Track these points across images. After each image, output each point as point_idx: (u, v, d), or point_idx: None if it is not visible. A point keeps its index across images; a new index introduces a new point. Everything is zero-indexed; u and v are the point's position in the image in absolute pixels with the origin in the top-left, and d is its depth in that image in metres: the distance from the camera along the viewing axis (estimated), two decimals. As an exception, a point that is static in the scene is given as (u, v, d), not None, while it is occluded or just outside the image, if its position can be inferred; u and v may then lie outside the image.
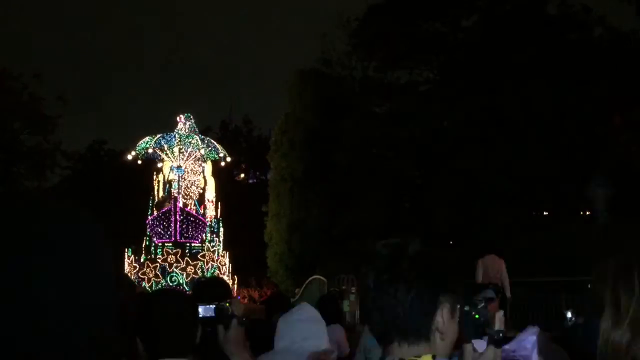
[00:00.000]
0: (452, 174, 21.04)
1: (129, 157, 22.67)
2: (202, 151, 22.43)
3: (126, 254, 20.84)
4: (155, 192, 22.47)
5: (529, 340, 3.71)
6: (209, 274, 19.99)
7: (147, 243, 21.70)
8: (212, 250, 21.66)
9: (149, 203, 22.36)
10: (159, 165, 23.06)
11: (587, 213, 22.11)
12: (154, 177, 23.01)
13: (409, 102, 23.48)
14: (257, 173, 43.29)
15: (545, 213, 22.82)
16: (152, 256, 21.02)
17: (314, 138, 28.32)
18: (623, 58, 20.48)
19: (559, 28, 21.74)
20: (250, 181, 44.11)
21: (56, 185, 29.54)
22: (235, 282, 22.60)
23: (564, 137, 20.17)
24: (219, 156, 23.33)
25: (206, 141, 23.36)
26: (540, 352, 3.44)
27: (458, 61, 22.17)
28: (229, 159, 23.74)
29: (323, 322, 3.28)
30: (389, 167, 22.98)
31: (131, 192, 28.59)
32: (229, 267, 22.21)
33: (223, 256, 22.06)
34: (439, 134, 22.09)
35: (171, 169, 22.60)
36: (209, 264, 20.87)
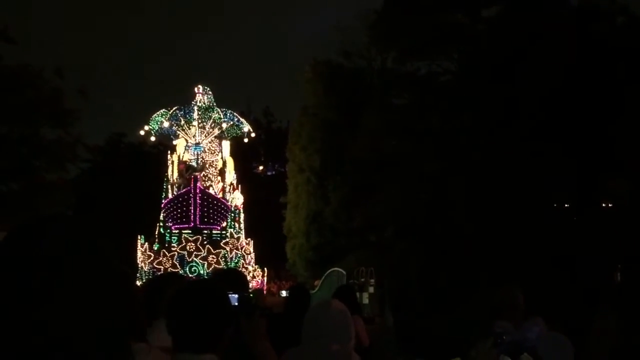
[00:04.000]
0: (471, 166, 20.89)
1: (142, 132, 20.51)
2: (225, 125, 20.12)
3: (139, 241, 18.95)
4: (170, 174, 20.28)
5: (533, 331, 3.74)
6: (232, 264, 18.08)
7: (162, 230, 19.52)
8: (236, 237, 19.40)
9: (163, 186, 20.20)
10: (174, 142, 20.80)
11: (610, 205, 21.88)
12: (168, 156, 20.76)
13: (428, 93, 23.32)
14: (276, 165, 43.31)
15: (566, 205, 22.60)
16: (167, 244, 18.81)
17: (332, 130, 28.25)
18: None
19: (581, 17, 21.44)
20: (269, 173, 44.15)
21: (76, 177, 29.80)
22: (265, 274, 20.50)
23: (586, 128, 19.93)
24: (242, 132, 21.01)
25: (229, 114, 20.89)
26: (544, 341, 3.45)
27: (478, 52, 21.97)
28: (253, 135, 21.33)
29: (349, 317, 3.25)
30: (407, 159, 22.85)
31: (149, 181, 28.01)
32: (253, 256, 20.13)
33: (248, 244, 19.89)
34: (458, 126, 21.93)
35: (186, 147, 20.29)
36: (233, 253, 18.74)
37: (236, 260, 18.57)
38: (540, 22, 20.73)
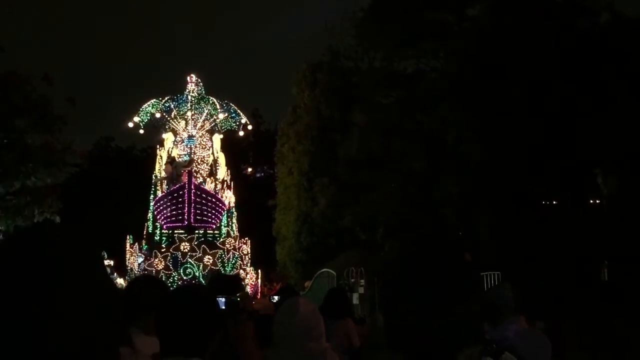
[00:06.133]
0: (460, 164, 20.96)
1: (130, 124, 19.19)
2: (221, 115, 18.83)
3: (128, 242, 17.91)
4: (157, 170, 19.12)
5: (509, 329, 3.72)
6: (229, 266, 17.20)
7: (150, 230, 18.36)
8: (233, 236, 18.23)
9: (151, 186, 18.99)
10: (163, 136, 19.54)
11: (597, 202, 22.00)
12: (157, 150, 19.57)
13: (415, 92, 23.37)
14: (265, 167, 43.30)
15: (554, 202, 22.71)
16: (156, 244, 17.63)
17: (321, 130, 28.29)
18: (631, 44, 20.29)
19: (565, 15, 21.55)
20: (258, 175, 44.12)
21: (64, 182, 29.64)
22: (259, 276, 19.54)
23: (572, 125, 20.03)
24: (238, 124, 19.71)
25: (224, 105, 19.44)
26: (522, 338, 3.45)
27: (464, 50, 22.03)
28: (250, 127, 20.18)
29: (319, 315, 3.24)
30: (396, 158, 22.89)
31: (138, 184, 27.68)
32: (249, 257, 18.90)
33: (245, 243, 18.64)
34: (446, 124, 21.99)
35: (174, 142, 19.11)
36: (230, 254, 17.57)
37: (233, 262, 17.64)
38: (525, 19, 20.82)
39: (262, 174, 43.67)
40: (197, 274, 16.70)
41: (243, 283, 17.04)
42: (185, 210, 17.27)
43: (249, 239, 19.38)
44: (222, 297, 2.85)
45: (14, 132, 21.25)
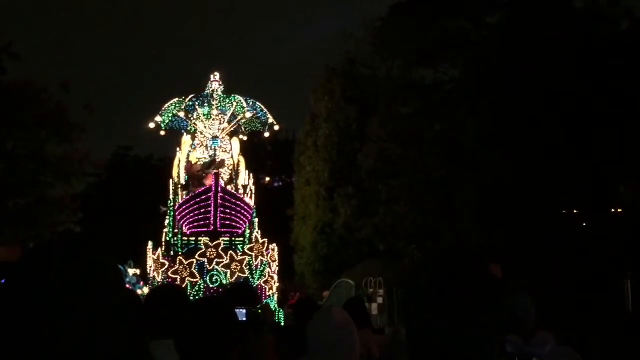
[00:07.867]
0: (479, 174, 20.80)
1: (151, 125, 18.42)
2: (248, 114, 18.03)
3: (149, 250, 17.32)
4: (175, 175, 18.39)
5: (543, 348, 3.72)
6: (258, 273, 16.56)
7: (169, 237, 17.67)
8: (261, 242, 17.25)
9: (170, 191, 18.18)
10: (183, 138, 18.74)
11: (619, 211, 21.74)
12: (177, 153, 18.83)
13: (433, 101, 23.28)
14: (283, 176, 43.34)
15: (575, 211, 22.47)
16: (174, 251, 16.91)
17: (340, 139, 28.26)
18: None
19: (585, 22, 21.39)
20: (276, 184, 44.15)
21: (83, 192, 29.93)
22: (278, 287, 18.74)
23: (593, 133, 19.83)
24: (263, 125, 18.94)
25: (250, 103, 18.44)
26: (553, 356, 3.39)
27: (483, 58, 21.92)
28: (277, 128, 19.31)
29: (352, 324, 3.19)
30: (415, 168, 22.78)
31: (156, 192, 27.46)
32: (277, 264, 17.87)
33: (273, 250, 17.61)
34: (465, 133, 21.86)
35: (192, 146, 18.53)
36: (259, 260, 16.79)
37: (262, 269, 16.79)
38: (544, 27, 20.67)
39: (280, 183, 43.70)
40: (224, 281, 15.90)
41: (270, 292, 16.85)
42: (212, 214, 16.42)
43: (276, 245, 18.25)
44: (243, 309, 2.80)
45: (33, 142, 21.46)
